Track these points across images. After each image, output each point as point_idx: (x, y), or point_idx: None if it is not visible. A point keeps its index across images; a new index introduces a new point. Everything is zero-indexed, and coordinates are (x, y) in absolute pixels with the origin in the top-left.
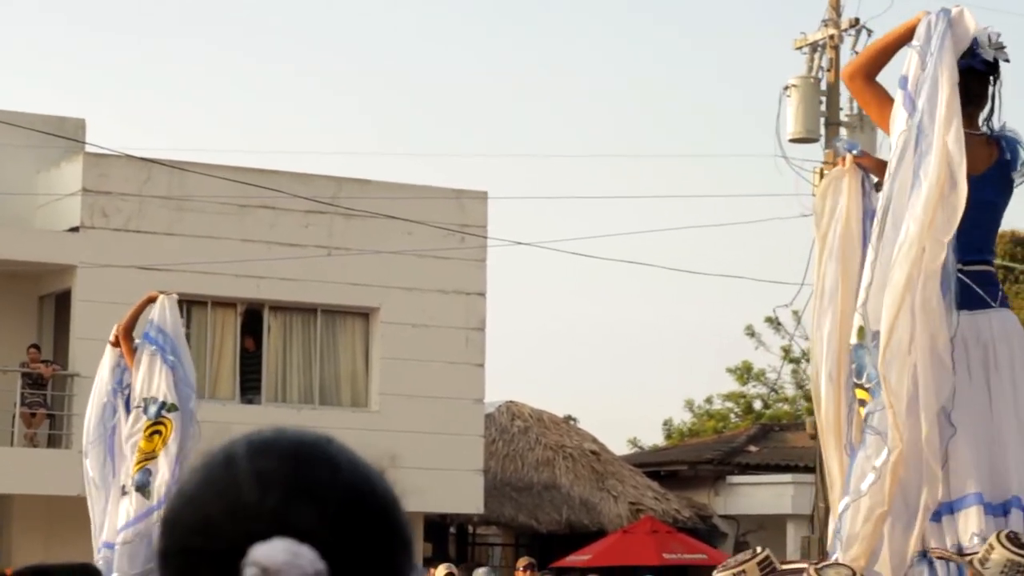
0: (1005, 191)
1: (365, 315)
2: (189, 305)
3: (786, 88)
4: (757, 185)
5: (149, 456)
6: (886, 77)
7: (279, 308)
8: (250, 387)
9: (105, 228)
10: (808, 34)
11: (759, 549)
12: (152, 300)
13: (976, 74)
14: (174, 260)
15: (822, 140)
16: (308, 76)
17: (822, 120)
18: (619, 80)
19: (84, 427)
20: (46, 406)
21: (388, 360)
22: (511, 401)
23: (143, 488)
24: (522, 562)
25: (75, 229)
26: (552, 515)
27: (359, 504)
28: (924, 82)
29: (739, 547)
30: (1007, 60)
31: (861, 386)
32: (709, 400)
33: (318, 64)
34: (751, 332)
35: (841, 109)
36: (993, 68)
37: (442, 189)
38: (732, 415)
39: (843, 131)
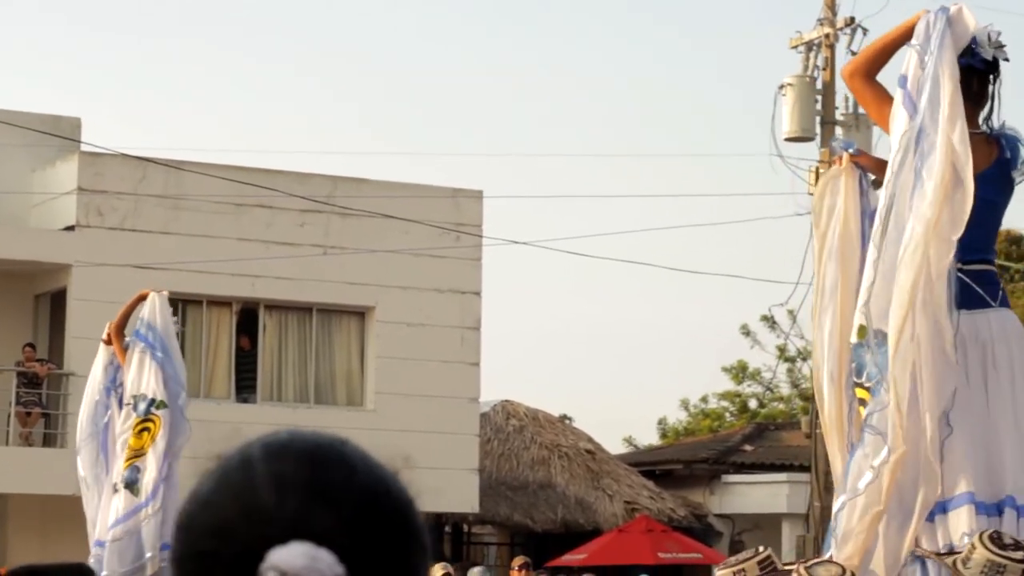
0: (1006, 190)
1: (361, 314)
2: (184, 304)
3: (782, 87)
4: (754, 184)
5: (138, 453)
6: (886, 77)
7: (275, 307)
8: (245, 386)
9: (101, 227)
10: (804, 33)
11: (761, 549)
12: (143, 298)
13: (976, 73)
14: (170, 259)
15: (818, 139)
16: (304, 76)
17: (818, 119)
18: (615, 79)
19: (77, 425)
20: (41, 405)
21: (384, 359)
22: (506, 400)
23: (131, 485)
24: (517, 561)
25: (71, 228)
26: (547, 514)
27: (376, 506)
28: (925, 81)
29: (734, 546)
30: (1007, 59)
31: (861, 385)
32: (704, 399)
33: (314, 64)
34: (746, 331)
35: (837, 108)
36: (993, 67)
37: (438, 188)
38: (727, 414)
39: (839, 130)
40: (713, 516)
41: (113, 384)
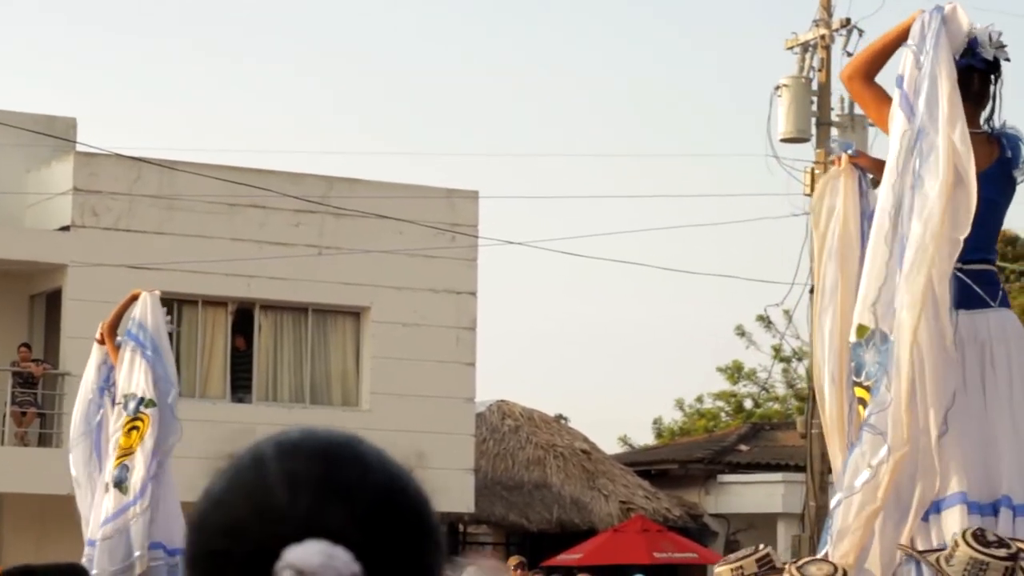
0: (1007, 189)
1: (356, 314)
2: (179, 304)
3: (777, 88)
4: (749, 185)
5: (127, 452)
6: (884, 77)
7: (270, 307)
8: (240, 386)
9: (96, 227)
10: (799, 34)
11: (761, 547)
12: (136, 298)
13: (977, 72)
14: (164, 259)
15: (813, 140)
16: (298, 76)
17: (813, 120)
18: (612, 79)
19: (71, 425)
20: (37, 405)
21: (379, 359)
22: (502, 400)
23: (120, 484)
24: (513, 561)
25: (66, 228)
26: (543, 514)
27: (390, 504)
28: (922, 81)
29: (729, 546)
30: (1007, 59)
31: (860, 384)
32: (700, 399)
33: (308, 64)
34: (742, 332)
35: (832, 109)
36: (994, 67)
37: (433, 188)
38: (723, 414)
39: (834, 131)
40: (708, 516)
41: (106, 384)
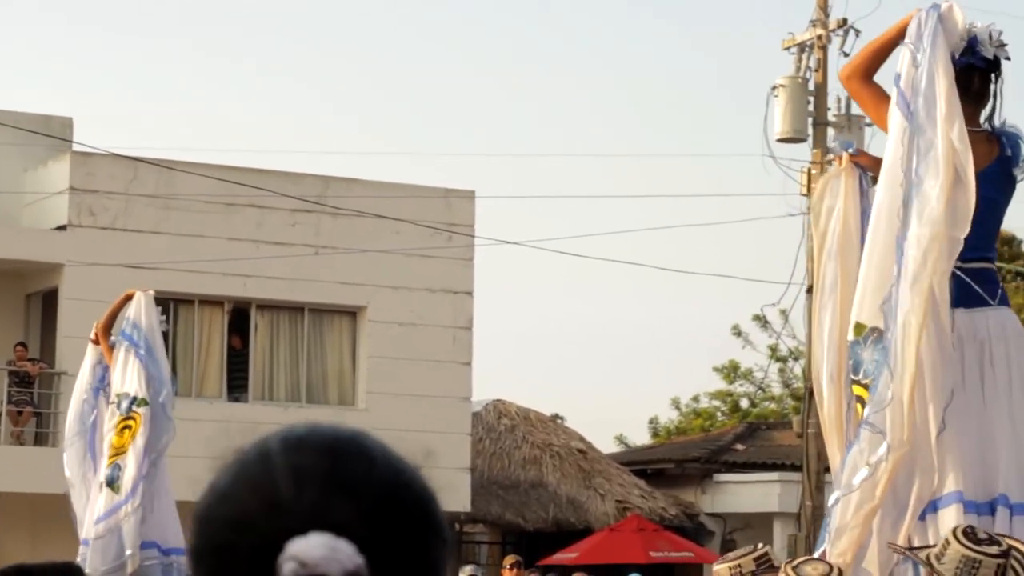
0: (1007, 187)
1: (352, 314)
2: (176, 303)
3: (774, 88)
4: (746, 185)
5: (119, 451)
6: (883, 76)
7: (266, 307)
8: (237, 386)
9: (92, 226)
10: (796, 34)
11: (760, 545)
12: (130, 298)
13: (977, 71)
14: (161, 259)
15: (810, 140)
16: (295, 76)
17: (810, 120)
18: (611, 80)
19: (66, 424)
20: (33, 404)
21: (375, 359)
22: (498, 400)
23: (112, 483)
24: (509, 560)
25: (62, 227)
26: (539, 513)
27: (395, 498)
28: (920, 79)
29: (726, 545)
30: (1008, 58)
31: (858, 382)
32: (696, 399)
33: (305, 64)
34: (738, 331)
35: (829, 109)
36: (994, 65)
37: (430, 188)
38: (719, 414)
39: (831, 131)
40: (705, 515)
41: (101, 384)
